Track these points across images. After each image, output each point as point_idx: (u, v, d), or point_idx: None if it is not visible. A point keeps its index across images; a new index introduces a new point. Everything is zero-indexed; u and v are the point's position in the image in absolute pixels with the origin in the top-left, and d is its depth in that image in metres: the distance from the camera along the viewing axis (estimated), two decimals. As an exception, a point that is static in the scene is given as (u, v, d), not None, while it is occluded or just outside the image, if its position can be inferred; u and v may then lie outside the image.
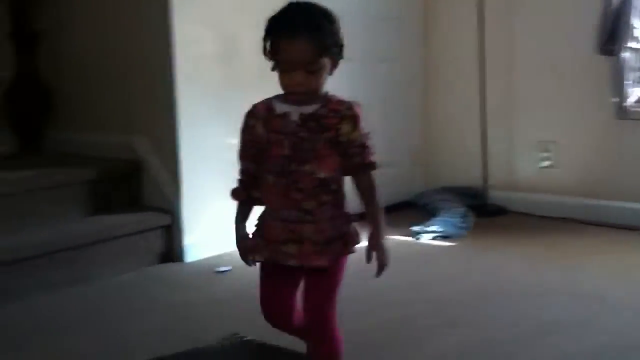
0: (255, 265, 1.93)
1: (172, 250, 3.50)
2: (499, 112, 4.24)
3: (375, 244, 1.83)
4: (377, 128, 4.09)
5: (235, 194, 1.95)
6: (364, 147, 1.84)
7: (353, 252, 1.89)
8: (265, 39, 1.82)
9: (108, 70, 3.87)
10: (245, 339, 2.44)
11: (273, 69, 1.82)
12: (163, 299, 3.05)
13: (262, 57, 1.83)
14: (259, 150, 1.87)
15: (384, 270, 1.83)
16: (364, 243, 1.87)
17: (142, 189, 3.69)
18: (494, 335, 2.54)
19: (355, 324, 2.59)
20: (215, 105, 3.54)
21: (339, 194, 1.87)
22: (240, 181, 1.94)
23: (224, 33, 3.60)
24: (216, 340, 2.45)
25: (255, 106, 1.91)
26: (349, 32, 1.75)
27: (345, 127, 1.81)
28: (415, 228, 3.82)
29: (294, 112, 1.83)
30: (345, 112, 1.82)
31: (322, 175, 1.82)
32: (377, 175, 1.87)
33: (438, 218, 3.91)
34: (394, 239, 3.73)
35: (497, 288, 3.03)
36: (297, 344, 2.09)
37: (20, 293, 3.01)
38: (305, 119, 1.82)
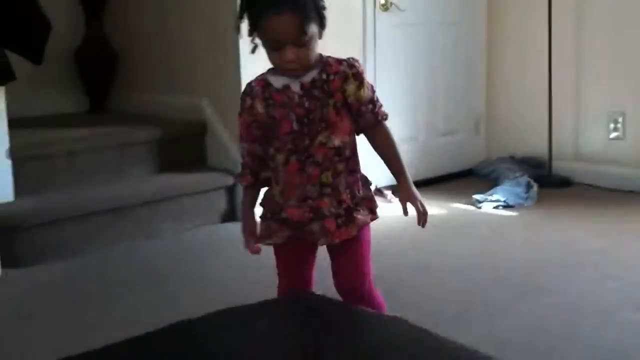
0: (259, 253, 1.86)
1: (234, 211, 3.55)
2: (567, 81, 4.14)
3: (408, 194, 1.78)
4: (439, 94, 4.17)
5: (241, 177, 1.85)
6: (373, 103, 1.78)
7: (377, 217, 1.84)
8: (241, 16, 1.69)
9: (174, 35, 3.92)
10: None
11: (253, 51, 1.70)
12: (225, 257, 3.10)
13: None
14: (263, 130, 1.77)
15: (426, 218, 1.77)
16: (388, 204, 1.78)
17: (206, 150, 3.76)
18: (574, 308, 2.48)
19: (426, 293, 2.61)
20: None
21: (352, 159, 1.80)
22: (246, 164, 1.84)
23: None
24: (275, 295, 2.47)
25: (250, 85, 1.79)
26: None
27: (351, 87, 1.73)
28: (477, 196, 3.79)
29: (294, 83, 1.72)
30: (347, 71, 1.73)
31: (336, 143, 1.75)
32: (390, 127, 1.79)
33: (501, 187, 3.86)
34: (456, 206, 3.72)
35: (566, 260, 2.96)
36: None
37: (88, 247, 3.11)
38: (307, 88, 1.72)
